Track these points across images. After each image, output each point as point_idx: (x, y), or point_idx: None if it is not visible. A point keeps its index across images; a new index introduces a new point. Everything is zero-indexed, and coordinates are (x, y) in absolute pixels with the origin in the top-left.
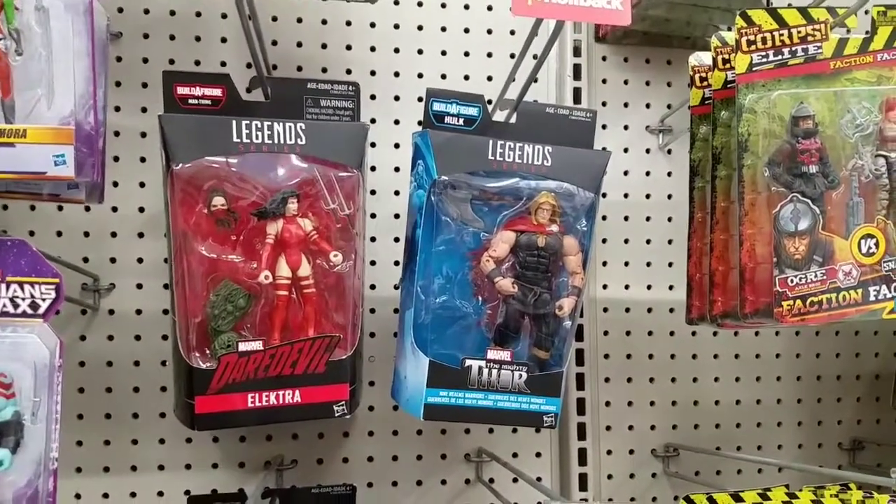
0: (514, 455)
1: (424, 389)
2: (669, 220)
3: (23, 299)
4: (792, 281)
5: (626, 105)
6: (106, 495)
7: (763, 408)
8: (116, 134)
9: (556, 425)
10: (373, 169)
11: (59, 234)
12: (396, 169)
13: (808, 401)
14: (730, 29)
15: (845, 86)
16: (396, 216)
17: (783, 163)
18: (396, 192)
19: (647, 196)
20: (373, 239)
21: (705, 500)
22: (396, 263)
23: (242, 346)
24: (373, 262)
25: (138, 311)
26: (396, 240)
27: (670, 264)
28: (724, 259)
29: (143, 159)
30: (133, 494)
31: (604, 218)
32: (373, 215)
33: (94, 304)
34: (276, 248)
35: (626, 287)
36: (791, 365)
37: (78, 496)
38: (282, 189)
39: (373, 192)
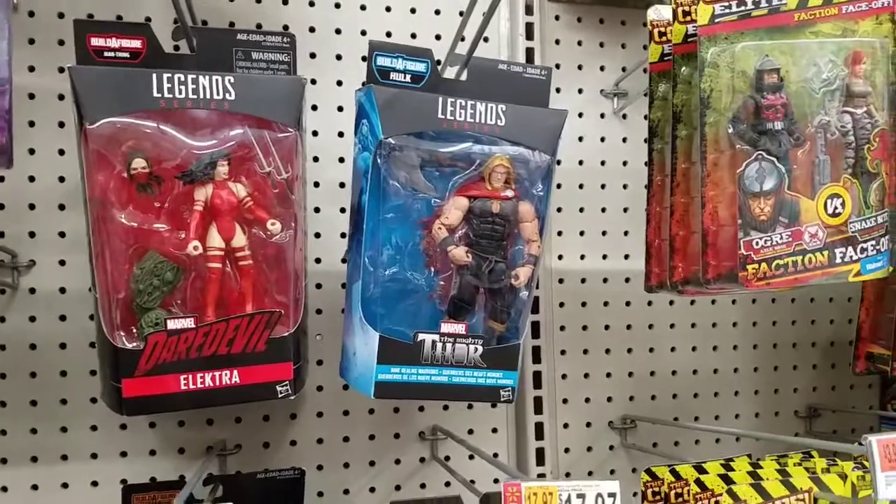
0: (470, 432)
1: (375, 366)
2: (625, 187)
3: None
4: (757, 243)
5: (580, 67)
6: (35, 487)
7: (720, 377)
8: (31, 97)
9: (514, 399)
10: (314, 134)
11: None
12: (340, 134)
13: (765, 369)
14: None
15: (810, 38)
16: (341, 185)
17: (747, 120)
18: (341, 160)
19: (602, 163)
20: (316, 209)
21: (668, 472)
22: (342, 236)
23: (172, 324)
24: (317, 235)
25: (62, 290)
26: (342, 210)
27: (626, 233)
28: (684, 223)
29: (61, 124)
30: (65, 485)
31: (558, 186)
32: (316, 184)
33: (12, 283)
34: (206, 215)
35: (582, 257)
36: (747, 334)
37: (4, 489)
38: (210, 150)
39: (315, 160)
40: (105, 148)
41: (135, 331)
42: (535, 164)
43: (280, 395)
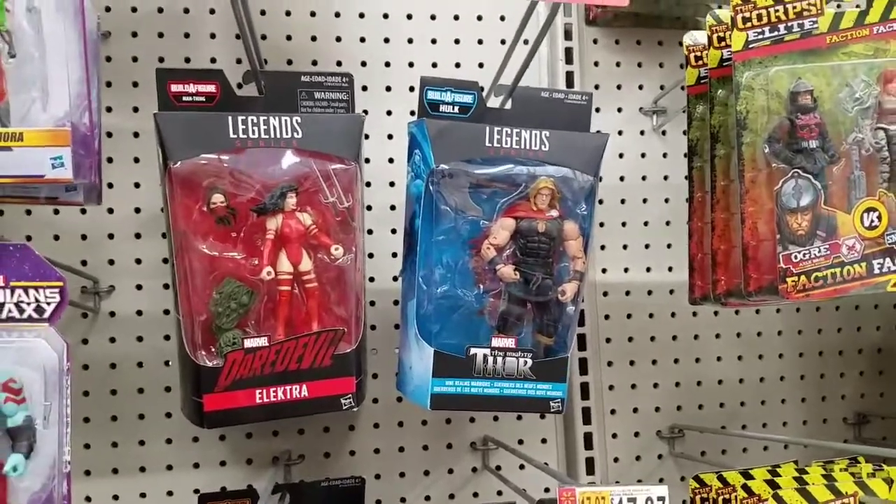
0: (520, 442)
1: (430, 379)
2: (666, 201)
3: (28, 304)
4: (795, 257)
5: (618, 87)
6: (116, 497)
7: (766, 385)
8: (109, 135)
9: (563, 410)
10: (367, 161)
11: (56, 237)
12: (390, 160)
13: (811, 377)
14: (721, 7)
15: (842, 60)
16: (392, 207)
17: (783, 139)
18: (391, 184)
19: (643, 178)
20: (370, 231)
21: (715, 478)
22: (394, 255)
23: (248, 343)
24: (370, 255)
25: (139, 313)
26: (393, 231)
27: (669, 245)
28: (725, 238)
29: (136, 160)
30: (143, 495)
31: (601, 202)
32: (369, 207)
33: (94, 307)
34: (277, 243)
35: (626, 270)
36: (793, 342)
37: (88, 499)
38: (280, 184)
39: (368, 185)
40: (187, 185)
41: (213, 350)
42: (579, 185)
43: (344, 408)
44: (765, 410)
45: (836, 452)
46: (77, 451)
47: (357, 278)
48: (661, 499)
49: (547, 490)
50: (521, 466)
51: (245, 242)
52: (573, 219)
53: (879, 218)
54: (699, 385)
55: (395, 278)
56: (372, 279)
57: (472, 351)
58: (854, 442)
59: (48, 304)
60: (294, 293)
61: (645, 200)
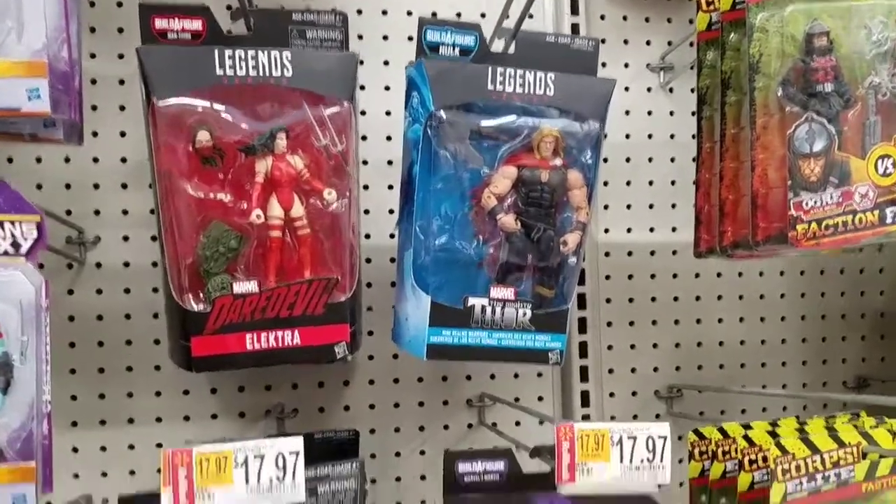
0: (517, 399)
1: (427, 329)
2: (672, 160)
3: (3, 238)
4: (807, 204)
5: (625, 42)
6: (104, 448)
7: (767, 348)
8: (93, 82)
9: (562, 363)
10: (363, 113)
11: (40, 186)
12: (387, 113)
13: (813, 340)
14: None
15: (860, 1)
16: (390, 162)
17: (797, 82)
18: (388, 138)
19: (649, 136)
20: (365, 187)
21: (715, 430)
22: (391, 212)
23: (237, 288)
24: (366, 212)
25: (126, 264)
26: (391, 187)
27: (673, 206)
28: (734, 187)
29: (122, 108)
30: (131, 447)
31: (605, 160)
32: (365, 162)
33: (80, 258)
34: (267, 187)
35: (629, 230)
36: (796, 304)
37: (75, 449)
38: (270, 125)
39: (364, 138)
40: (171, 124)
41: (202, 295)
42: (584, 133)
43: (338, 356)
44: (765, 373)
45: (838, 406)
46: (64, 402)
47: (351, 226)
48: (662, 437)
49: None
50: (517, 423)
51: (233, 185)
52: (578, 168)
53: (894, 165)
54: (699, 346)
55: (391, 235)
56: (368, 236)
57: (471, 301)
58: (853, 407)
59: (25, 238)
60: (285, 240)
61: (650, 159)
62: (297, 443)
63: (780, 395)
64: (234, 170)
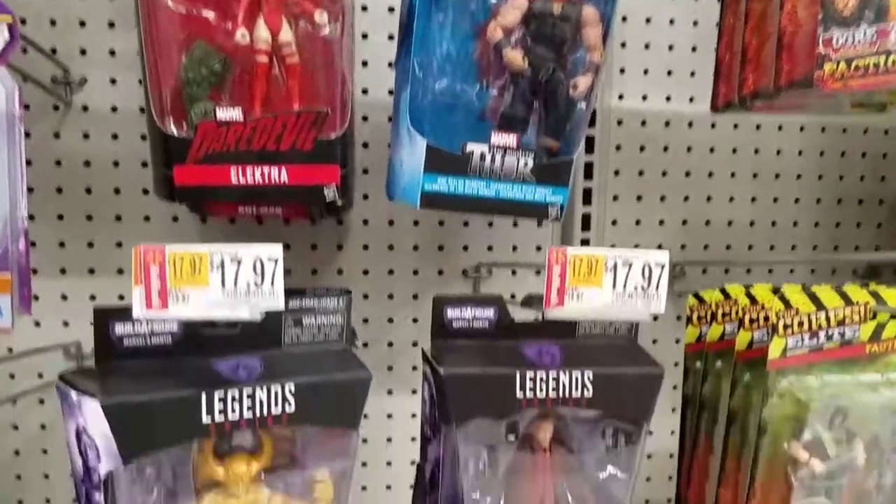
0: (513, 273)
1: (421, 175)
2: (695, 24)
3: None
4: (837, 41)
5: None
6: (93, 297)
7: (778, 230)
8: None
9: (562, 218)
10: None
11: (23, 21)
12: None
13: (826, 224)
14: None
15: None
16: (391, 9)
17: None
18: None
19: None
20: (364, 36)
21: (716, 292)
22: (390, 65)
23: (221, 114)
24: (364, 63)
25: (114, 109)
26: (391, 37)
27: (692, 74)
28: (759, 30)
29: None
30: (121, 297)
31: (623, 19)
32: (364, 7)
33: (65, 98)
34: (253, 6)
35: (644, 98)
36: (812, 187)
37: (65, 297)
38: None
39: None
40: None
41: (184, 123)
42: None
43: (327, 199)
44: (773, 256)
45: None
46: (51, 249)
47: (345, 55)
48: (660, 265)
49: None
50: (513, 296)
51: (217, 2)
52: (593, 2)
53: None
54: (707, 225)
55: (391, 92)
56: (365, 91)
57: (469, 147)
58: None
59: None
60: (273, 69)
61: (672, 21)
62: (276, 249)
63: (785, 262)
64: None
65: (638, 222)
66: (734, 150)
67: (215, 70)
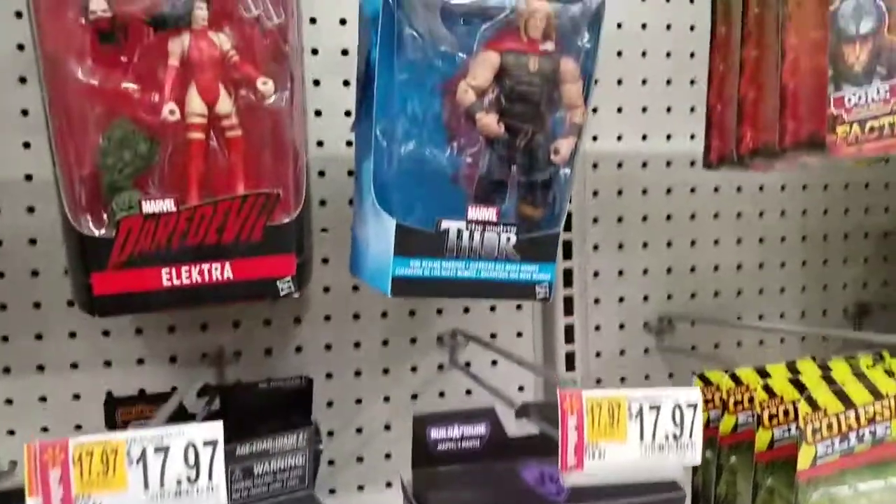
0: (493, 336)
1: (391, 259)
2: (668, 55)
3: None
4: (849, 101)
5: None
6: (9, 401)
7: (765, 272)
8: None
9: (551, 297)
10: None
11: None
12: None
13: (814, 263)
14: None
15: None
16: (345, 52)
17: None
18: (343, 21)
19: (643, 27)
20: (316, 82)
21: (726, 377)
22: (348, 113)
23: (148, 206)
24: (318, 113)
25: (28, 177)
26: (346, 83)
27: (669, 109)
28: (755, 81)
29: None
30: (43, 399)
31: None
32: (314, 51)
33: None
34: (184, 73)
35: (619, 138)
36: (797, 224)
37: None
38: None
39: (313, 21)
40: None
41: (105, 217)
42: (581, 8)
43: (282, 293)
44: (762, 300)
45: (839, 347)
46: None
47: (296, 125)
48: (692, 406)
49: (521, 389)
50: (494, 363)
51: (140, 70)
52: (572, 54)
53: None
54: (692, 271)
55: (349, 143)
56: (321, 143)
57: (444, 224)
58: (855, 346)
59: None
60: (210, 144)
61: (644, 53)
62: (214, 430)
63: (775, 330)
64: (140, 49)
65: (621, 273)
66: (716, 189)
67: (140, 153)
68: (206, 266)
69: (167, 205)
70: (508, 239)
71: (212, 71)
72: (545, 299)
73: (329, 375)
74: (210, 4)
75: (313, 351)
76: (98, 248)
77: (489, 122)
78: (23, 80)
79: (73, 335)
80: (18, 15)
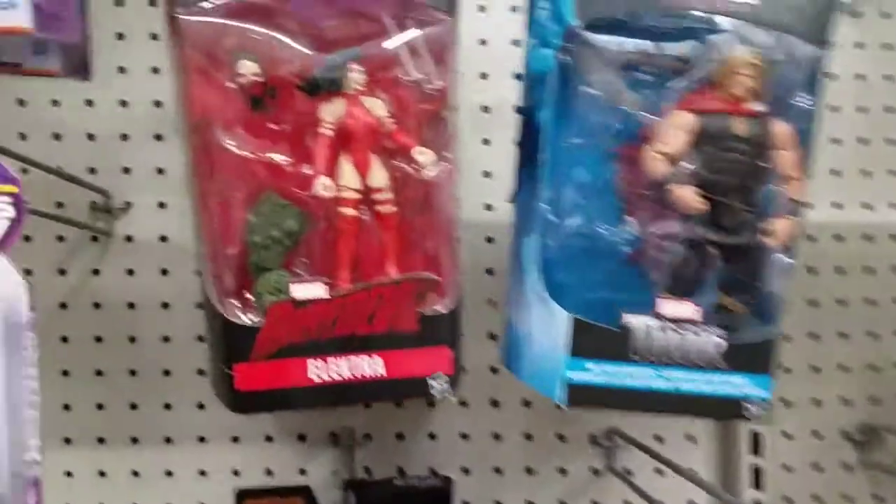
0: (658, 439)
1: (564, 359)
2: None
3: None
4: None
5: None
6: (136, 473)
7: None
8: (119, 2)
9: (761, 416)
10: (483, 43)
11: (57, 136)
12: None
13: None
14: None
15: None
16: (485, 109)
17: None
18: (484, 76)
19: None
20: (486, 141)
21: None
22: (487, 174)
23: (298, 291)
24: (487, 174)
25: (163, 238)
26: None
27: (867, 173)
28: None
29: (154, 36)
30: (169, 473)
31: None
32: (485, 108)
33: (106, 229)
34: (337, 143)
35: (810, 206)
36: None
37: (102, 473)
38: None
39: (484, 76)
40: (203, 46)
41: (250, 297)
42: (799, 62)
43: (436, 394)
44: None
45: None
46: (88, 412)
47: (452, 200)
48: None
49: None
50: (659, 471)
51: (290, 140)
52: (787, 116)
53: None
54: None
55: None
56: (489, 207)
57: (630, 320)
58: None
59: None
60: (363, 219)
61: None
62: None
63: None
64: (291, 116)
65: (815, 368)
66: None
67: (289, 230)
68: (356, 359)
69: (318, 290)
70: (714, 343)
71: (366, 140)
72: (757, 417)
73: (465, 470)
74: (366, 67)
75: (448, 439)
76: (243, 336)
77: (687, 196)
78: (158, 137)
79: (201, 406)
80: (155, 70)
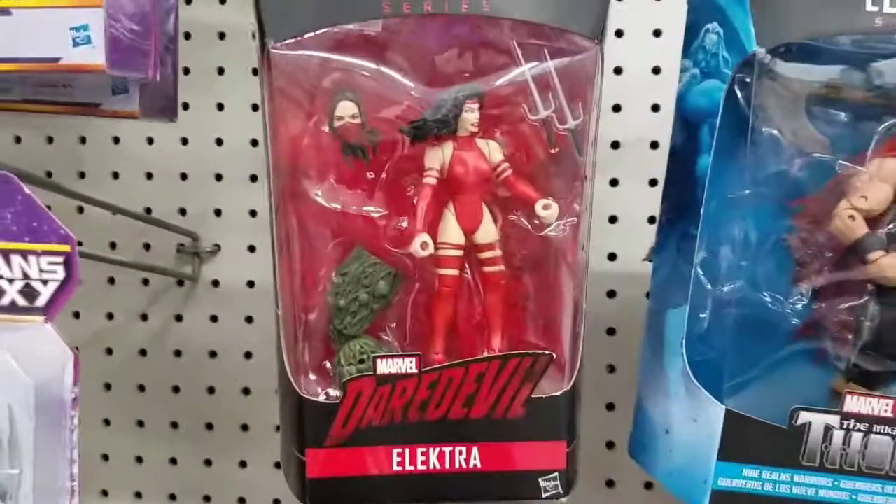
0: None
1: (714, 463)
2: None
3: (9, 281)
4: None
5: None
6: None
7: None
8: (221, 36)
9: None
10: (617, 72)
11: (150, 175)
12: (656, 70)
13: None
14: None
15: None
16: (615, 145)
17: None
18: (616, 108)
19: None
20: (613, 182)
21: None
22: (651, 221)
23: (383, 366)
24: (612, 219)
25: (250, 284)
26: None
27: None
28: None
29: (255, 71)
30: None
31: None
32: (615, 144)
33: (193, 273)
34: (441, 193)
35: None
36: None
37: None
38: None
39: (616, 109)
40: (298, 83)
41: (329, 368)
42: None
43: (546, 495)
44: None
45: None
46: (160, 467)
47: (578, 263)
48: None
49: None
50: None
51: (387, 190)
52: None
53: None
54: None
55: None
56: (613, 256)
57: (803, 416)
58: None
59: (44, 281)
60: (465, 279)
61: None
62: None
63: None
64: (391, 164)
65: None
66: None
67: (379, 293)
68: (448, 449)
69: (407, 364)
70: None
71: (476, 189)
72: None
73: None
74: (482, 104)
75: None
76: (318, 416)
77: (890, 265)
78: (254, 178)
79: (277, 465)
80: (255, 108)
